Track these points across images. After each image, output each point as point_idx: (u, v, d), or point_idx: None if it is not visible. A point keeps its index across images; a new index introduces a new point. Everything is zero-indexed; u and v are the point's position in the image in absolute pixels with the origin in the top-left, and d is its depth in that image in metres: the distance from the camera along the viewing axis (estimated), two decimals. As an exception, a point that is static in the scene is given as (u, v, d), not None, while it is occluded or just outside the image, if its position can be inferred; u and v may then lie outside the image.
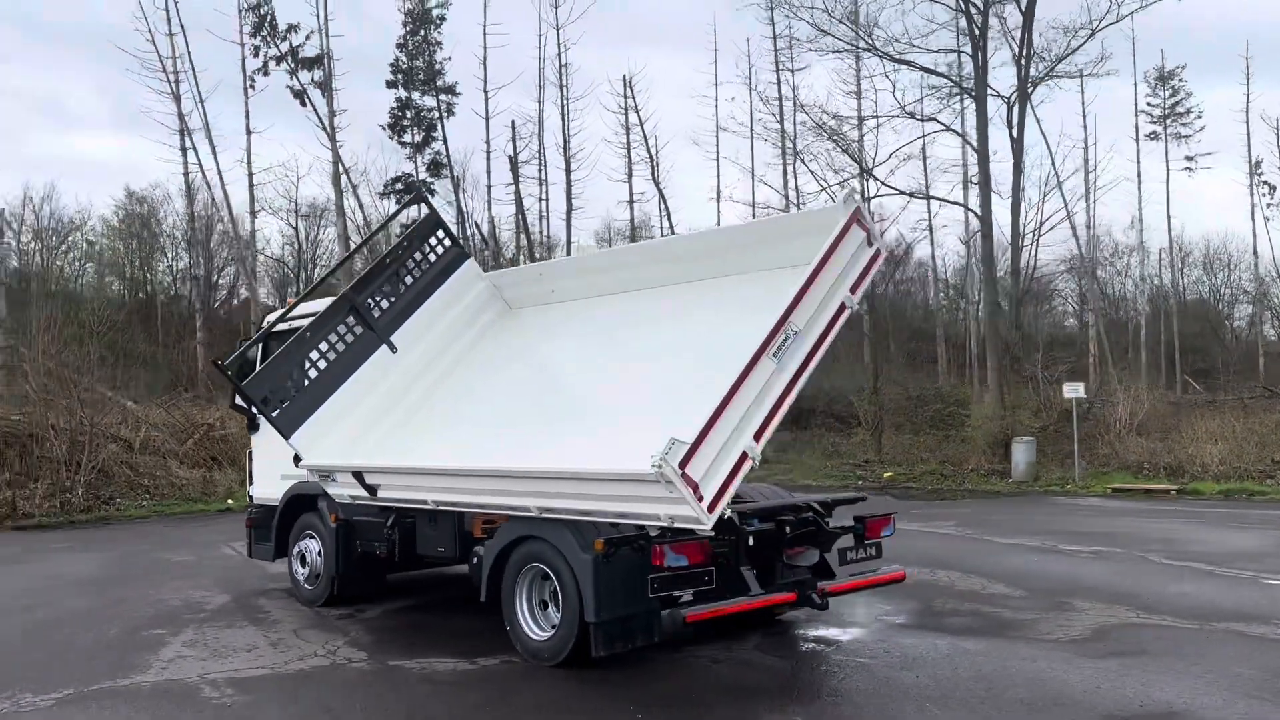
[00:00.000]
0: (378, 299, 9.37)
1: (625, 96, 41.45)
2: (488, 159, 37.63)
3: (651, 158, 41.32)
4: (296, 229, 40.12)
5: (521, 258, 42.12)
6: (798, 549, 7.44)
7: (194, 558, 12.04)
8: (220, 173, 33.68)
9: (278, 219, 43.55)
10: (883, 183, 24.78)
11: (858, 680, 6.91)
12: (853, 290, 7.08)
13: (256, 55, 34.94)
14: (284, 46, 35.06)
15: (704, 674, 7.13)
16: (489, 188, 37.95)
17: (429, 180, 39.74)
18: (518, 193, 40.60)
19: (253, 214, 35.44)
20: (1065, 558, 12.08)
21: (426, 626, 8.68)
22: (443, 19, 38.43)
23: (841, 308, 6.99)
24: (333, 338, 8.98)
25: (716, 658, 7.47)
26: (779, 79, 38.75)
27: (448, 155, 39.03)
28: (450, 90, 38.65)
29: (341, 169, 35.64)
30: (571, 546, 6.84)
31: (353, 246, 34.07)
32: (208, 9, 54.36)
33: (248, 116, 34.48)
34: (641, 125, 41.32)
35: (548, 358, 9.14)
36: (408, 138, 38.56)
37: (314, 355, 8.88)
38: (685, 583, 6.77)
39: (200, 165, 34.12)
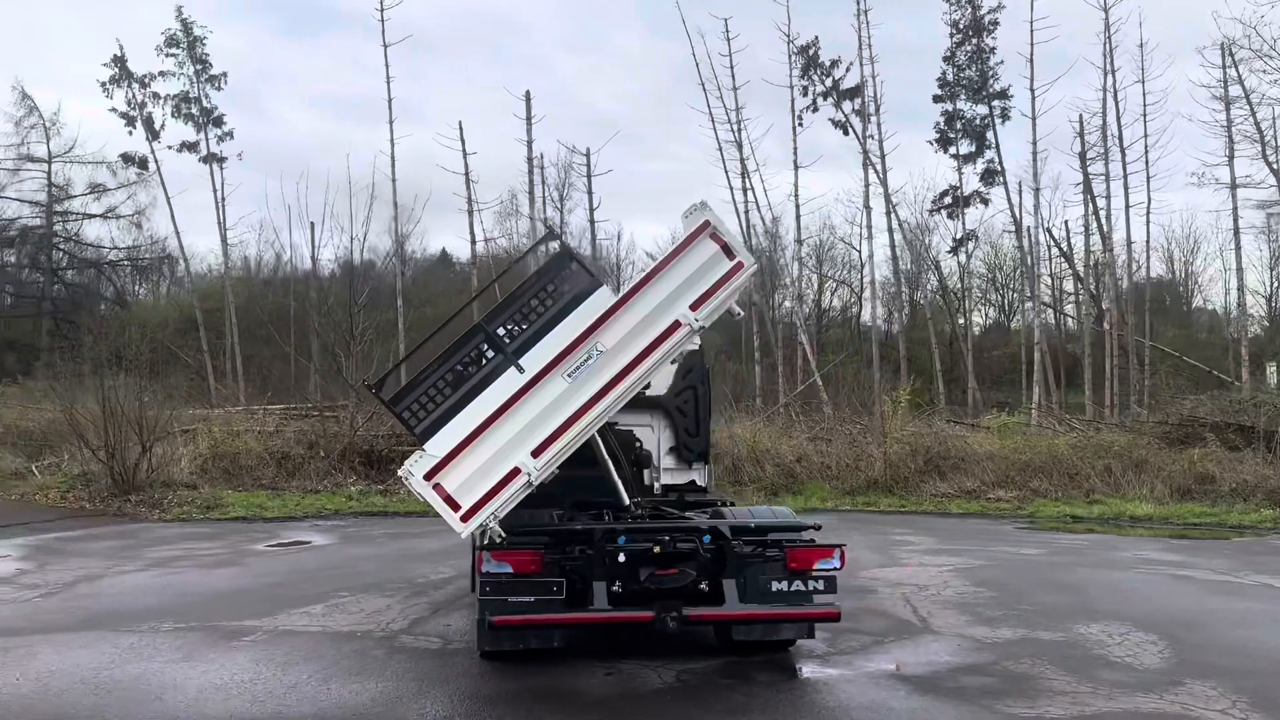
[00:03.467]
0: (509, 326, 10.84)
1: (1223, 67, 35.92)
2: (1034, 161, 35.45)
3: (1260, 135, 35.22)
4: (872, 254, 41.68)
5: (1094, 260, 38.88)
6: (670, 569, 7.33)
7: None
8: (771, 207, 36.95)
9: (846, 244, 45.73)
10: None
11: (680, 710, 6.79)
12: (695, 306, 6.93)
13: (805, 94, 37.54)
14: (828, 82, 37.17)
15: (572, 681, 7.47)
16: (1036, 191, 35.70)
17: (983, 190, 38.74)
18: (1088, 191, 37.59)
19: (799, 242, 38.05)
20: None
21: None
22: (995, 24, 37.32)
23: (675, 325, 6.90)
24: (466, 360, 10.69)
25: (619, 670, 7.72)
26: None
27: (1000, 163, 37.69)
28: (1003, 94, 37.31)
29: (883, 190, 36.60)
30: (474, 550, 7.71)
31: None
32: (765, 59, 59.15)
33: (796, 152, 37.17)
34: (1247, 96, 35.42)
35: None
36: (953, 150, 38.05)
37: (448, 376, 10.68)
38: (525, 590, 7.24)
39: (756, 203, 37.67)
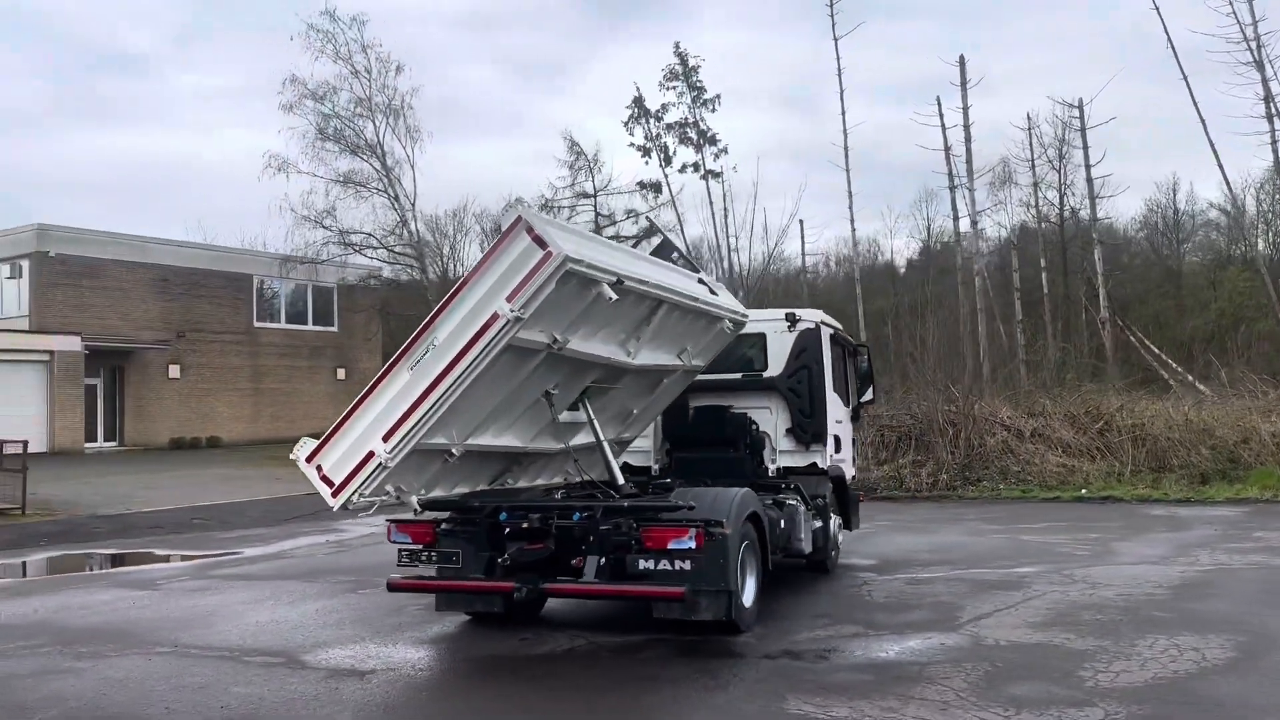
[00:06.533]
0: None
1: None
2: None
3: None
4: None
5: None
6: (536, 544, 7.67)
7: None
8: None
9: None
10: None
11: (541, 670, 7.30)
12: (510, 298, 7.24)
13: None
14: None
15: (482, 640, 8.17)
16: None
17: None
18: None
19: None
20: None
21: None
22: None
23: (493, 317, 7.31)
24: None
25: (535, 635, 8.23)
26: None
27: None
28: None
29: None
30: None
31: None
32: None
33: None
34: None
35: None
36: None
37: None
38: (431, 559, 8.13)
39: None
